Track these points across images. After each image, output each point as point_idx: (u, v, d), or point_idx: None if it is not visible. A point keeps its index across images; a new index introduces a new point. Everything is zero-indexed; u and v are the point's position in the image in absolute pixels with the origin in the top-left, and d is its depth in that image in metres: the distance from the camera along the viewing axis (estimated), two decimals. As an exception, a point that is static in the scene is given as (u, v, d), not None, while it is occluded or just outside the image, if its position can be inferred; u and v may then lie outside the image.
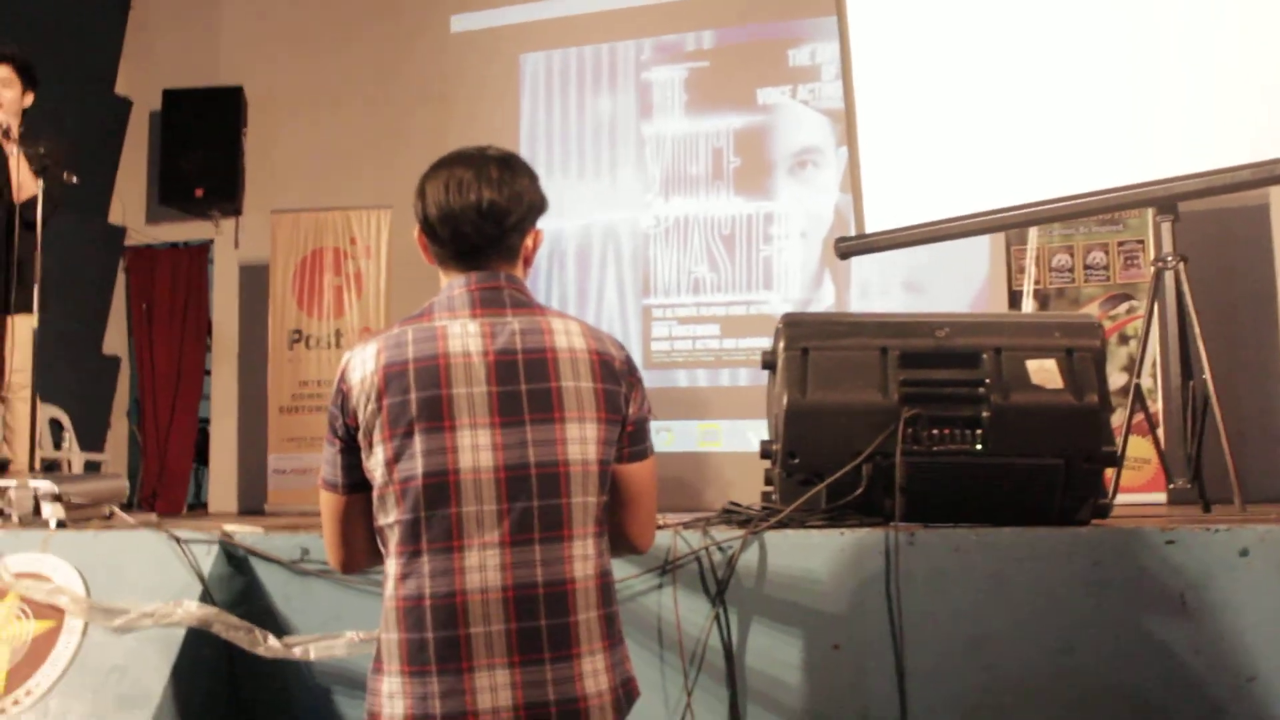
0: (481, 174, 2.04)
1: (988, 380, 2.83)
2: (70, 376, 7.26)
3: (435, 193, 2.04)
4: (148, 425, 7.83)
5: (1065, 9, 4.28)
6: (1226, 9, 3.89)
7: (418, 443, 1.91)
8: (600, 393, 1.99)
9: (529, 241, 2.12)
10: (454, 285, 2.04)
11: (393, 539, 1.94)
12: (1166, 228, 4.04)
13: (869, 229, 4.78)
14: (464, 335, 1.97)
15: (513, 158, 2.11)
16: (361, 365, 1.98)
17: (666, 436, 6.63)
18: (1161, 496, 5.33)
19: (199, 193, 7.73)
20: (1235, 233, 6.13)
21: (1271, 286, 6.16)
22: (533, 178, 2.11)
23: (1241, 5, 3.86)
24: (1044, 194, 4.25)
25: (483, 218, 2.01)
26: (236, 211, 7.91)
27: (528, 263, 2.14)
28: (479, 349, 1.96)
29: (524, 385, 1.95)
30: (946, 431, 2.82)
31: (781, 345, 2.94)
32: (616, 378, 2.02)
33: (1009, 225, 5.07)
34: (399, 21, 7.78)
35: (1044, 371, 2.82)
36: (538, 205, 2.11)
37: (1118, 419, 3.81)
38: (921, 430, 2.80)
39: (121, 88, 8.10)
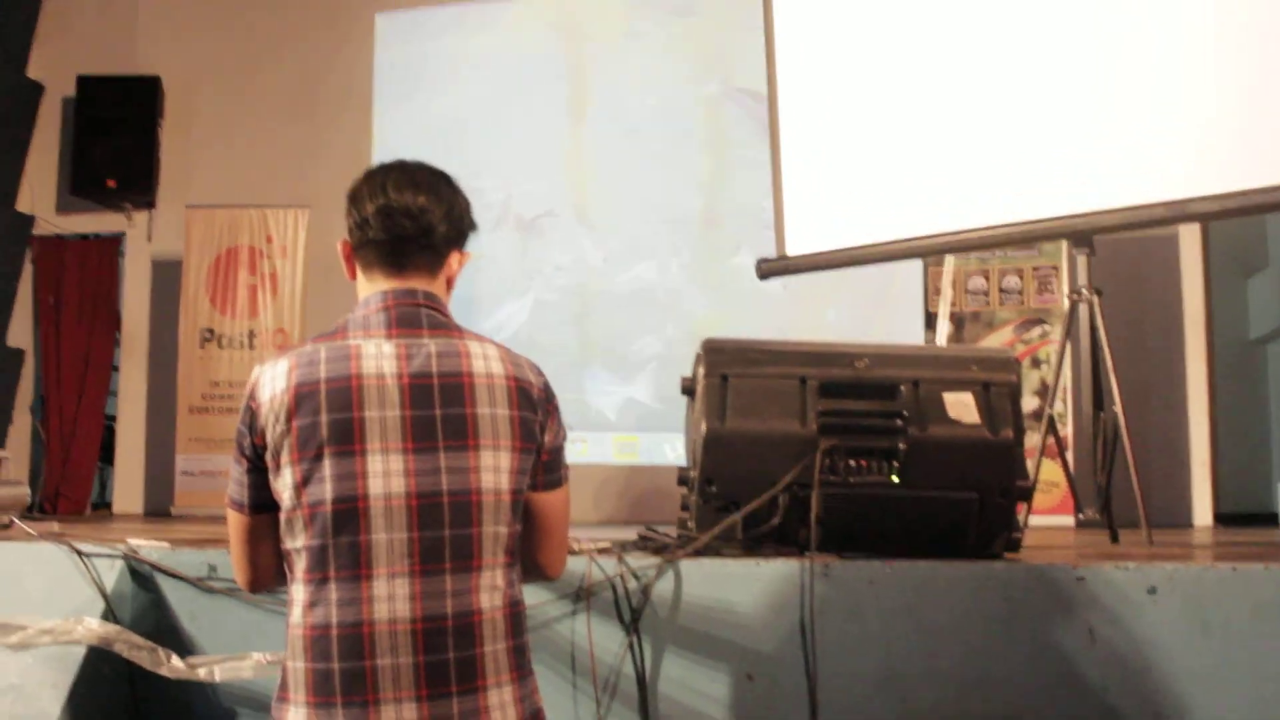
0: (420, 182, 2.05)
1: (905, 412, 2.84)
2: (-30, 369, 7.08)
3: (372, 189, 2.03)
4: (52, 421, 7.61)
5: (989, 43, 4.33)
6: (1145, 52, 3.96)
7: (327, 466, 1.88)
8: (516, 420, 1.96)
9: (454, 261, 2.10)
10: (370, 301, 2.02)
11: (300, 564, 1.89)
12: (1082, 260, 4.11)
13: (790, 251, 4.80)
14: (378, 356, 1.93)
15: (450, 177, 2.12)
16: (271, 383, 1.93)
17: (581, 448, 6.60)
18: (1070, 519, 5.42)
19: (112, 184, 7.51)
20: (1145, 262, 6.27)
21: (1179, 314, 6.30)
22: (467, 202, 2.13)
23: (1158, 50, 3.93)
24: (964, 222, 4.30)
25: (418, 214, 2.02)
26: (150, 205, 7.71)
27: (450, 284, 2.12)
28: (393, 371, 1.92)
29: (439, 410, 1.92)
30: (863, 463, 2.83)
31: (701, 371, 2.93)
32: (533, 405, 2.00)
33: (928, 252, 5.12)
34: (323, 18, 7.67)
35: (961, 405, 2.85)
36: (468, 225, 2.12)
37: (1030, 442, 3.86)
38: (839, 461, 2.81)
39: (34, 71, 7.87)
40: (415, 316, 2.00)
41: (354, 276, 2.09)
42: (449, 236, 2.07)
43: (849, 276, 5.83)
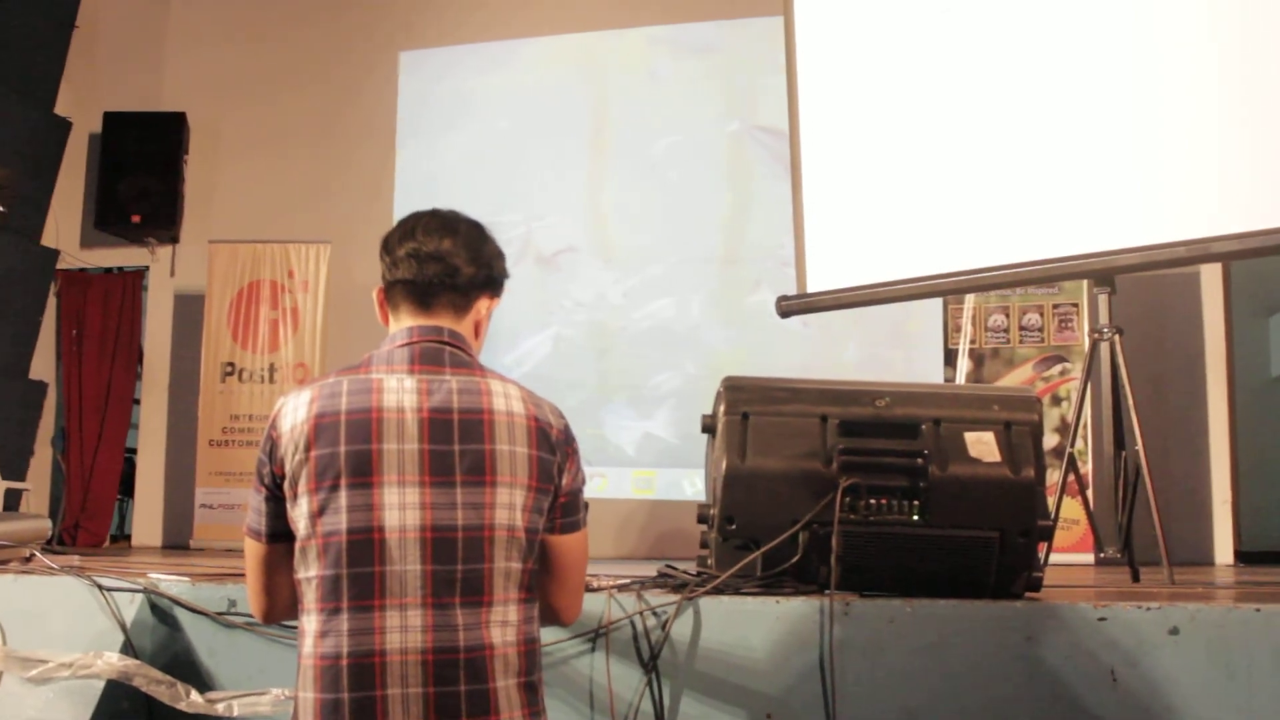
0: (449, 227, 2.08)
1: (926, 451, 2.84)
2: (-7, 401, 7.11)
3: (404, 232, 2.07)
4: (73, 453, 7.66)
5: (1012, 82, 4.34)
6: (1167, 92, 3.96)
7: (343, 497, 1.89)
8: (534, 459, 1.97)
9: (482, 307, 2.12)
10: (396, 338, 2.04)
11: (311, 594, 1.90)
12: (1103, 299, 4.10)
13: (811, 288, 4.80)
14: (399, 390, 1.95)
15: (483, 226, 2.15)
16: (293, 413, 1.95)
17: (600, 483, 6.60)
18: (1090, 557, 5.40)
19: (136, 218, 7.59)
20: (1166, 300, 6.26)
21: (1200, 352, 6.28)
22: (499, 251, 2.16)
23: (1180, 89, 3.94)
24: (985, 260, 4.29)
25: (444, 256, 2.04)
26: (173, 239, 7.79)
27: (478, 329, 2.14)
28: (413, 405, 1.94)
29: (457, 445, 1.93)
30: (884, 501, 2.82)
31: (722, 409, 2.94)
32: (552, 447, 2.00)
33: (950, 291, 5.12)
34: (347, 56, 7.75)
35: (982, 444, 2.84)
36: (498, 272, 2.15)
37: (1050, 479, 3.84)
38: (859, 499, 2.80)
39: (61, 107, 7.94)
40: (438, 353, 2.01)
41: (387, 322, 2.12)
42: (475, 280, 2.08)
43: (868, 313, 5.85)
